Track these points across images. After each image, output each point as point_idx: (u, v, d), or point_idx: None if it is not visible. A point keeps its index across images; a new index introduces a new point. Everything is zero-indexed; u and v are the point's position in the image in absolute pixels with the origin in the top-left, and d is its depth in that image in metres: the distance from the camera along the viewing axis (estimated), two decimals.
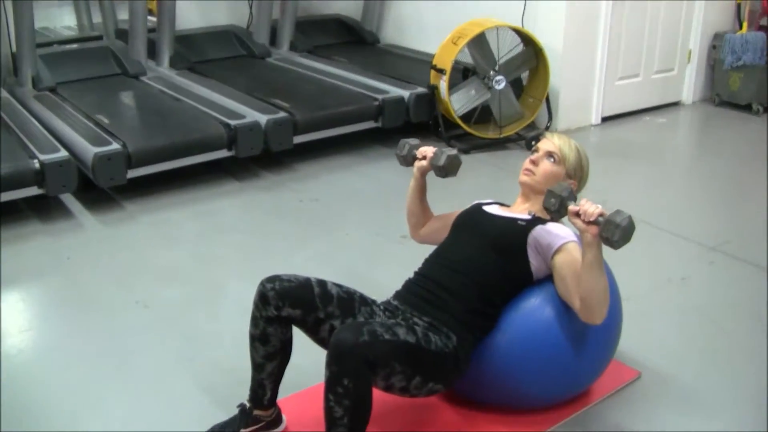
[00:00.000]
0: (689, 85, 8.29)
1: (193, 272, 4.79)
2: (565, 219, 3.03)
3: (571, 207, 2.94)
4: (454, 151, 3.42)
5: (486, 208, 3.46)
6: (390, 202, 5.73)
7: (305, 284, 3.09)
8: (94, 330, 4.18)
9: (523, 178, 3.38)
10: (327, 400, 2.73)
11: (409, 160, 3.57)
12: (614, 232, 2.79)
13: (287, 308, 3.03)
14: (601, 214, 2.85)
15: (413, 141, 3.59)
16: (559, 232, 3.18)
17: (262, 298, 3.05)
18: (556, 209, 2.98)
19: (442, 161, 3.40)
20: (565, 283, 3.10)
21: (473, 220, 3.42)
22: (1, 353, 3.95)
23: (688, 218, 5.46)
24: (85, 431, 3.38)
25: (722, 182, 6.31)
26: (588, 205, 2.89)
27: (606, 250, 2.91)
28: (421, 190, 3.63)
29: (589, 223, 2.87)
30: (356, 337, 2.72)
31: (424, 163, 3.49)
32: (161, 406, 3.54)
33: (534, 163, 3.36)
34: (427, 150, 3.49)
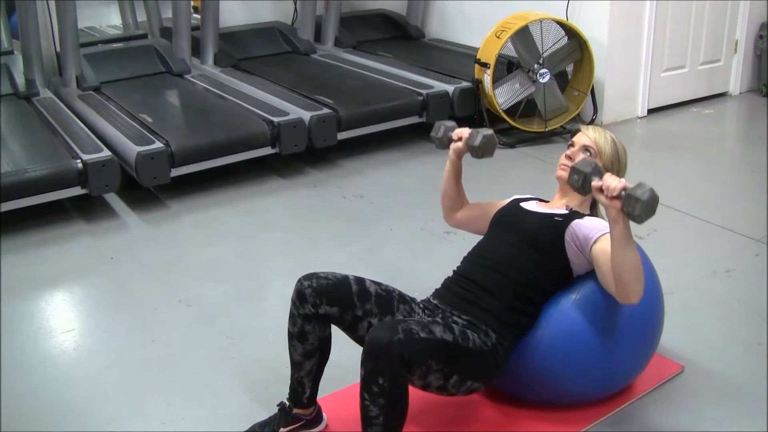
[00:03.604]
0: (736, 76, 8.19)
1: (236, 270, 4.81)
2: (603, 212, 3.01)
3: (595, 182, 2.88)
4: (490, 131, 3.35)
5: (524, 204, 3.44)
6: (434, 197, 5.61)
7: (343, 282, 3.09)
8: (136, 329, 4.20)
9: (560, 173, 3.35)
10: (362, 399, 2.73)
11: (444, 141, 3.52)
12: (635, 206, 2.72)
13: (324, 306, 3.03)
14: (624, 188, 2.79)
15: (449, 123, 3.54)
16: (596, 225, 3.15)
17: (300, 296, 3.06)
18: (580, 185, 2.92)
19: (477, 141, 3.33)
20: (602, 271, 3.05)
21: (511, 217, 3.40)
22: (39, 354, 4.01)
23: (734, 210, 5.39)
24: (126, 430, 3.40)
25: None
26: (611, 179, 2.83)
27: (640, 237, 2.88)
28: (457, 173, 3.61)
29: (612, 198, 2.81)
30: (391, 336, 2.70)
31: (460, 144, 3.44)
32: (202, 405, 3.55)
33: (570, 158, 3.32)
34: (463, 131, 3.44)
